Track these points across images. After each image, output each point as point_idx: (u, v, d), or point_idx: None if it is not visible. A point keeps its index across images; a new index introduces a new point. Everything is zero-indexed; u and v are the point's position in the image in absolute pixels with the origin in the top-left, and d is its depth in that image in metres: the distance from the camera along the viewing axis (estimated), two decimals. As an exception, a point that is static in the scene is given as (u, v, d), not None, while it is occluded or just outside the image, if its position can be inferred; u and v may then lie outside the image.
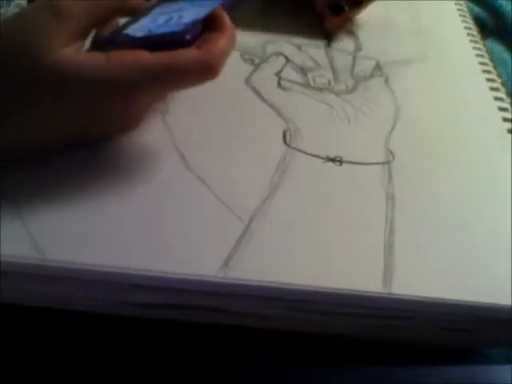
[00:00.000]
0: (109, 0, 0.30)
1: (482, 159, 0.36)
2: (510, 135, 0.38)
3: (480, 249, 0.31)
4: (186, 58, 0.28)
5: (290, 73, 0.40)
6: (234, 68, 0.38)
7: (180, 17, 0.30)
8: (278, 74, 0.39)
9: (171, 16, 0.31)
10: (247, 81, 0.38)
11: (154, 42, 0.28)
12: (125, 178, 0.31)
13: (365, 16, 0.45)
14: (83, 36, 0.29)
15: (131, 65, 0.27)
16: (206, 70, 0.28)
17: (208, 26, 0.30)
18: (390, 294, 0.28)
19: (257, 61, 0.40)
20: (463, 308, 0.29)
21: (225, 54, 0.29)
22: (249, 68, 0.39)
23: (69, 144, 0.30)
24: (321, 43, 0.43)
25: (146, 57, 0.28)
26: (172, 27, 0.29)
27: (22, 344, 0.30)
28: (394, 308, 0.29)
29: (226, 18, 0.30)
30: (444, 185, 0.34)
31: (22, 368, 0.29)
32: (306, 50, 0.42)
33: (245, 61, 0.40)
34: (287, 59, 0.40)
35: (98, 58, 0.27)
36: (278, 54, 0.41)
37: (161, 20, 0.31)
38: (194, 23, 0.29)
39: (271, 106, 0.37)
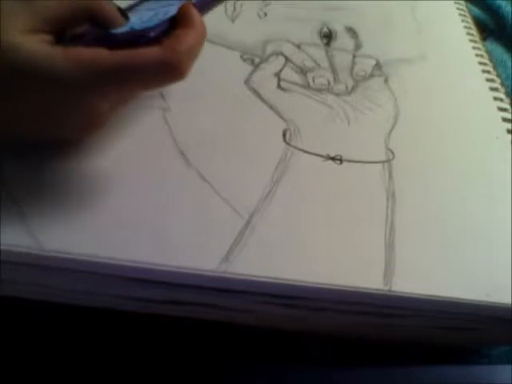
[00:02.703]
0: (84, 0, 0.28)
1: (482, 159, 0.36)
2: (509, 135, 0.38)
3: (481, 247, 0.31)
4: (144, 57, 0.26)
5: (289, 73, 0.39)
6: (233, 68, 0.39)
7: (165, 13, 0.29)
8: (277, 74, 0.39)
9: (157, 12, 0.30)
10: (247, 81, 0.38)
11: (119, 40, 0.27)
12: (125, 173, 0.30)
13: (365, 13, 0.45)
14: (51, 30, 0.27)
15: (86, 63, 0.25)
16: (169, 69, 0.26)
17: (177, 22, 0.28)
18: (390, 291, 0.28)
19: (256, 61, 0.40)
20: (464, 306, 0.29)
21: (191, 51, 0.27)
22: (248, 68, 0.39)
23: (31, 139, 0.29)
24: (320, 42, 0.43)
25: (102, 55, 0.26)
26: (154, 23, 0.28)
27: (20, 339, 0.30)
28: (395, 306, 0.29)
29: (195, 13, 0.28)
30: (444, 183, 0.34)
31: (20, 364, 0.29)
32: (305, 48, 0.42)
33: (244, 61, 0.39)
34: (287, 59, 0.40)
35: (54, 51, 0.25)
36: (278, 53, 0.41)
37: (146, 16, 0.30)
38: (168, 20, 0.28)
39: (271, 106, 0.37)
